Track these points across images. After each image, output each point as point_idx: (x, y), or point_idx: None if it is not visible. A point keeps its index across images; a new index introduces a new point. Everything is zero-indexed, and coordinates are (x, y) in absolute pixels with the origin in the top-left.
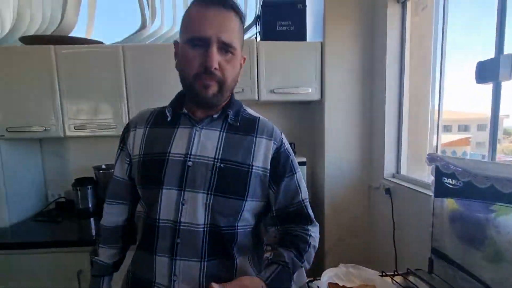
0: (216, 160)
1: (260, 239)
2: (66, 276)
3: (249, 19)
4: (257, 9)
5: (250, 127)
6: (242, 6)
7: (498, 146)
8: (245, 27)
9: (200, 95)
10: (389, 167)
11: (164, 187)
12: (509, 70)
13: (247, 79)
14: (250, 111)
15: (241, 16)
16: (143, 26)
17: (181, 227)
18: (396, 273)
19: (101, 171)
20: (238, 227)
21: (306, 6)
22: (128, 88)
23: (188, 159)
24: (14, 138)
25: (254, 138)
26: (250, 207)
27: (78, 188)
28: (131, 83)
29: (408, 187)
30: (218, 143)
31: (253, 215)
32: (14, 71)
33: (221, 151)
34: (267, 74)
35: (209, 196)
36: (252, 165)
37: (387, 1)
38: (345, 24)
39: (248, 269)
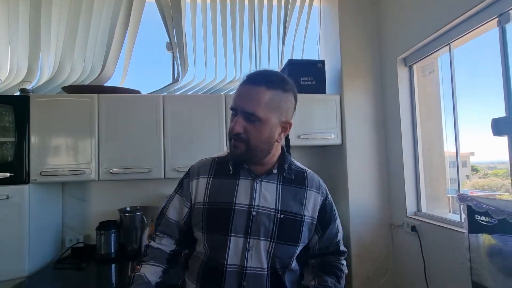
0: (276, 211)
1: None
2: None
3: None
4: (279, 66)
5: (301, 179)
6: (265, 64)
7: (468, 182)
8: None
9: (233, 153)
10: (410, 206)
11: (232, 234)
12: None
13: None
14: (297, 163)
15: (276, 88)
16: (176, 79)
17: (247, 271)
18: None
19: (126, 214)
20: (288, 266)
21: (325, 65)
22: (166, 134)
23: (252, 209)
24: (45, 182)
25: (306, 190)
26: (299, 251)
27: (102, 232)
28: (168, 130)
29: (435, 224)
30: (276, 195)
31: (298, 256)
32: (55, 117)
33: (280, 203)
34: (294, 122)
35: (271, 243)
36: (304, 215)
37: (397, 65)
38: (360, 81)
39: None
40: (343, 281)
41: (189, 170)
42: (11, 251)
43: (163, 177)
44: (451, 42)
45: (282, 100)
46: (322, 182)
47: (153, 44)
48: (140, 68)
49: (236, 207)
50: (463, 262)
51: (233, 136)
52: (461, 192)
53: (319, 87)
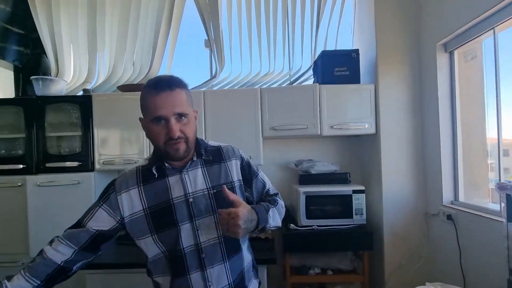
0: (209, 189)
1: None
2: None
3: (305, 66)
4: (313, 57)
5: (218, 156)
6: (299, 56)
7: None
8: (303, 73)
9: (175, 156)
10: (447, 195)
11: (179, 224)
12: None
13: (311, 117)
14: (211, 143)
15: (184, 87)
16: (214, 75)
17: (202, 245)
18: None
19: None
20: None
21: (359, 54)
22: (207, 128)
23: (188, 197)
24: (106, 170)
25: (226, 163)
26: None
27: None
28: (209, 123)
29: (472, 213)
30: (204, 177)
31: None
32: (113, 113)
33: (209, 181)
34: (328, 113)
35: (215, 216)
36: (233, 181)
37: (436, 51)
38: (396, 69)
39: (247, 253)
40: (278, 206)
41: (113, 184)
42: None
43: None
44: (496, 26)
45: (189, 95)
46: (236, 149)
47: (192, 42)
48: (181, 65)
49: (174, 201)
50: (501, 251)
51: (174, 141)
52: (501, 181)
53: (353, 77)
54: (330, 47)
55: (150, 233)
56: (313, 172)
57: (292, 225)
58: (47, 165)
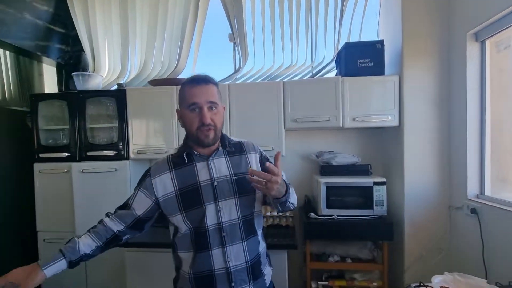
0: (231, 176)
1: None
2: None
3: (328, 58)
4: (336, 49)
5: (240, 149)
6: (322, 48)
7: None
8: (325, 65)
9: (204, 142)
10: (472, 189)
11: (205, 204)
12: None
13: (333, 109)
14: (233, 138)
15: (216, 84)
16: (238, 68)
17: (224, 225)
18: (499, 284)
19: None
20: (254, 212)
21: (384, 45)
22: (231, 120)
23: (214, 181)
24: (139, 158)
25: (246, 155)
26: (257, 198)
27: None
28: (234, 115)
29: (499, 207)
30: (227, 165)
31: (259, 203)
32: (145, 106)
33: (231, 169)
34: (350, 105)
35: (235, 199)
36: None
37: (466, 40)
38: (422, 59)
39: (261, 239)
40: (293, 190)
41: (149, 171)
42: None
43: None
44: None
45: (219, 91)
46: (255, 144)
47: (216, 36)
48: (206, 59)
49: (201, 184)
50: None
51: (205, 127)
52: None
53: (376, 69)
54: (354, 38)
55: (179, 212)
56: (334, 163)
57: (312, 214)
58: (88, 153)
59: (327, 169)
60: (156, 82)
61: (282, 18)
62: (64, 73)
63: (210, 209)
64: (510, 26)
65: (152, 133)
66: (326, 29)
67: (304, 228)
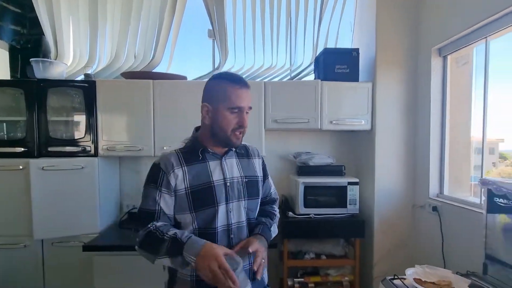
0: (242, 177)
1: None
2: None
3: (306, 62)
4: (314, 54)
5: (246, 152)
6: (301, 52)
7: (495, 170)
8: (304, 69)
9: (235, 143)
10: (433, 188)
11: (218, 205)
12: None
13: (312, 112)
14: None
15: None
16: (217, 66)
17: (232, 227)
18: (459, 273)
19: None
20: (256, 216)
21: (359, 53)
22: None
23: (226, 181)
24: (109, 155)
25: (252, 159)
26: (259, 204)
27: None
28: None
29: (455, 205)
30: (237, 166)
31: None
32: (117, 100)
33: (242, 171)
34: (328, 108)
35: (244, 201)
36: (257, 176)
37: (431, 54)
38: (393, 69)
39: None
40: (276, 219)
41: (159, 167)
42: (87, 212)
43: None
44: (488, 35)
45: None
46: (257, 150)
47: (194, 30)
48: (183, 54)
49: (215, 184)
50: (479, 238)
51: (241, 129)
52: (483, 177)
53: (352, 75)
54: (331, 44)
55: (189, 211)
56: (311, 164)
57: (290, 213)
58: (50, 149)
59: (305, 170)
60: (130, 75)
61: (264, 20)
62: (20, 59)
63: (221, 210)
64: (468, 45)
65: (125, 129)
66: (305, 33)
67: (282, 228)
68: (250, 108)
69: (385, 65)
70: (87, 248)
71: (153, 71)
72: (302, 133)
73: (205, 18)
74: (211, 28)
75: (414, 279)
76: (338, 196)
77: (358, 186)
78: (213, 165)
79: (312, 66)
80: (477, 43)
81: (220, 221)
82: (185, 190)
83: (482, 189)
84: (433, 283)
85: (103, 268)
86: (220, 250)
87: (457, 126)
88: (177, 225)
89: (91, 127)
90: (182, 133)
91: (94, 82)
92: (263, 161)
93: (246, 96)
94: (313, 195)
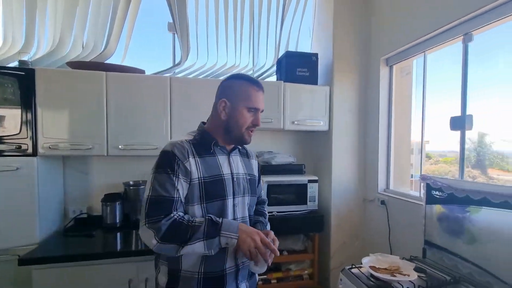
0: (246, 174)
1: None
2: (119, 285)
3: (269, 63)
4: (276, 56)
5: (246, 152)
6: (263, 53)
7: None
8: (266, 70)
9: (247, 140)
10: (381, 184)
11: (228, 197)
12: (470, 124)
13: (276, 112)
14: None
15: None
16: (179, 62)
17: (238, 221)
18: (404, 258)
19: (131, 187)
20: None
21: (318, 58)
22: (173, 114)
23: (234, 176)
24: (52, 155)
25: (251, 159)
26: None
27: (108, 203)
28: (175, 110)
29: (400, 199)
30: (242, 164)
31: None
32: (61, 92)
33: (245, 168)
34: (290, 109)
35: (247, 197)
36: (255, 175)
37: (380, 64)
38: (348, 75)
39: None
40: (267, 219)
41: (174, 154)
42: (23, 220)
43: None
44: (426, 50)
45: None
46: (253, 152)
47: (153, 22)
48: (140, 47)
49: (224, 177)
50: (419, 226)
51: (253, 128)
52: (423, 173)
53: (312, 78)
54: (291, 47)
55: (199, 202)
56: (273, 163)
57: None
58: None
59: (268, 168)
60: (79, 65)
61: (227, 17)
62: None
63: (229, 203)
64: (410, 57)
65: (70, 125)
66: (268, 35)
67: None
68: (263, 110)
69: (341, 72)
70: (23, 261)
71: (105, 62)
72: (264, 133)
73: (165, 10)
74: (171, 21)
75: (370, 266)
76: (299, 193)
77: (317, 183)
78: (221, 159)
79: (275, 68)
80: (417, 56)
81: (229, 214)
82: (198, 180)
83: (422, 184)
84: (385, 269)
85: (44, 283)
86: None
87: (400, 129)
88: None
89: (29, 122)
90: (141, 130)
91: (33, 70)
92: (258, 163)
93: (263, 99)
94: (275, 193)
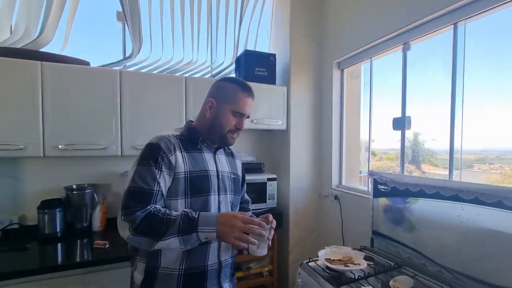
0: (230, 173)
1: None
2: None
3: (227, 61)
4: (235, 54)
5: (231, 152)
6: (222, 50)
7: (367, 163)
8: (225, 68)
9: (230, 143)
10: (334, 180)
11: (212, 193)
12: (409, 124)
13: None
14: None
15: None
16: (130, 55)
17: None
18: (356, 249)
19: (74, 192)
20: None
21: (276, 59)
22: (123, 110)
23: (219, 173)
24: None
25: (235, 159)
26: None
27: (45, 211)
28: (126, 107)
29: (351, 193)
30: (227, 162)
31: None
32: None
33: (230, 167)
34: None
35: (230, 195)
36: (239, 175)
37: (332, 67)
38: (304, 77)
39: None
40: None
41: (160, 147)
42: None
43: (120, 154)
44: (373, 56)
45: None
46: (237, 152)
47: (100, 11)
48: (83, 37)
49: (210, 173)
50: (367, 218)
51: (237, 132)
52: (370, 170)
53: (270, 78)
54: (250, 46)
55: (184, 196)
56: None
57: None
58: None
59: None
60: (4, 51)
61: (183, 11)
62: None
63: (214, 199)
64: (358, 62)
65: None
66: (226, 32)
67: None
68: (249, 116)
69: (297, 73)
70: None
71: (40, 50)
72: None
73: None
74: (120, 10)
75: (325, 259)
76: (259, 192)
77: (276, 181)
78: (207, 156)
79: (234, 66)
80: (364, 61)
81: (212, 211)
82: (184, 174)
83: (370, 179)
84: (339, 260)
85: None
86: (232, 212)
87: (351, 129)
88: None
89: None
90: (86, 128)
91: None
92: (241, 163)
93: (251, 105)
94: None
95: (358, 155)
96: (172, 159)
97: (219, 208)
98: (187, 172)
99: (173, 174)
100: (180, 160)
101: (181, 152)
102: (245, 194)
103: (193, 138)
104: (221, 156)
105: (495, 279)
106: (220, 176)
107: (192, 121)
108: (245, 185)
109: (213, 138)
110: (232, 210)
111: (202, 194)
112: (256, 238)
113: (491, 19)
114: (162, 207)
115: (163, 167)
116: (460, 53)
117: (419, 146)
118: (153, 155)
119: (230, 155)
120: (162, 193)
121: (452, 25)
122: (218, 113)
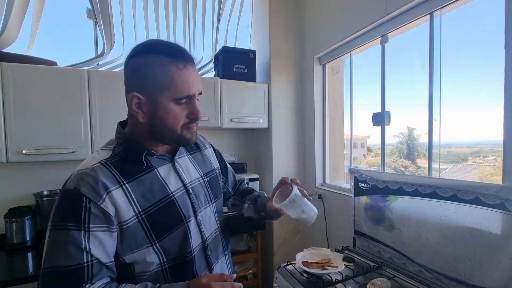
0: (202, 177)
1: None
2: None
3: (206, 58)
4: (214, 51)
5: (196, 144)
6: (200, 47)
7: (364, 159)
8: (204, 65)
9: (191, 141)
10: (318, 178)
11: (187, 220)
12: (388, 120)
13: (212, 110)
14: None
15: None
16: (101, 53)
17: (208, 241)
18: (337, 249)
19: (45, 199)
20: (223, 214)
21: (256, 55)
22: (92, 112)
23: (188, 187)
24: None
25: (203, 150)
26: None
27: (13, 219)
28: (96, 108)
29: (334, 192)
30: (193, 165)
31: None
32: None
33: (199, 169)
34: (228, 106)
35: (212, 204)
36: (214, 168)
37: (313, 63)
38: (284, 73)
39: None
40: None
41: (78, 192)
42: None
43: None
44: (352, 50)
45: None
46: (202, 136)
47: (70, 9)
48: (52, 36)
49: (175, 195)
50: (350, 217)
51: (195, 123)
52: (351, 167)
53: (250, 75)
54: (230, 42)
55: (149, 243)
56: None
57: None
58: None
59: None
60: None
61: (157, 6)
62: None
63: (192, 226)
64: (339, 57)
65: None
66: (204, 28)
67: None
68: (201, 92)
69: (278, 69)
70: None
71: (2, 51)
72: (203, 131)
73: None
74: (90, 7)
75: (302, 262)
76: None
77: (258, 181)
78: (164, 171)
79: (212, 64)
80: (345, 56)
81: (194, 240)
82: (137, 218)
83: (350, 177)
84: (317, 262)
85: None
86: (206, 277)
87: (334, 125)
88: (126, 270)
89: None
90: (53, 131)
91: None
92: (213, 147)
93: (195, 77)
94: None
95: (342, 151)
96: (107, 205)
97: (201, 231)
98: (139, 213)
99: (116, 226)
100: (122, 200)
101: (121, 186)
102: (234, 176)
103: (134, 155)
104: (183, 160)
105: (472, 278)
106: (190, 191)
107: (123, 125)
108: (228, 169)
109: (165, 142)
110: (218, 220)
111: (174, 228)
112: (296, 205)
113: (467, 9)
114: (113, 277)
115: (91, 225)
116: (437, 45)
117: (414, 141)
118: (71, 210)
119: (195, 149)
120: (99, 262)
121: (429, 15)
122: (154, 109)
